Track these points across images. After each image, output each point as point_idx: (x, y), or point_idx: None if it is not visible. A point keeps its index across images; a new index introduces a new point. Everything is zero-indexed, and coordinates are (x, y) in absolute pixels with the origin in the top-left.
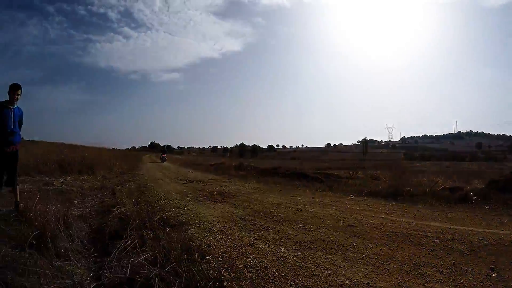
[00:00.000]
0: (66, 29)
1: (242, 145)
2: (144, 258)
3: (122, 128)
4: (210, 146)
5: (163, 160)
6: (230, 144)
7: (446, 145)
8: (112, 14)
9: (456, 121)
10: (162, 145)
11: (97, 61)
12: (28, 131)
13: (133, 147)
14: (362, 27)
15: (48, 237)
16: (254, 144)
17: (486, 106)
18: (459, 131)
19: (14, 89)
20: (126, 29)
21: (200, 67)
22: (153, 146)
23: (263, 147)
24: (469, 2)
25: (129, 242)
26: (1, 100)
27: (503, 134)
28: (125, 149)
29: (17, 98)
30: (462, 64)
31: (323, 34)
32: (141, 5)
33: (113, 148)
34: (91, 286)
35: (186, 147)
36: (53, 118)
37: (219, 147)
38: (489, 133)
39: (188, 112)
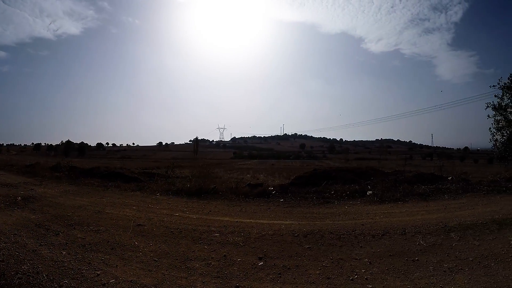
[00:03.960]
0: None
1: (68, 142)
2: None
3: None
4: (32, 144)
5: None
6: (56, 141)
7: (273, 145)
8: None
9: (283, 124)
10: None
11: None
12: None
13: None
14: (210, 31)
15: None
16: (82, 142)
17: (311, 113)
18: (285, 133)
19: None
20: None
21: (31, 47)
22: None
23: (92, 145)
24: (310, 27)
25: None
26: None
27: (324, 137)
28: None
29: None
30: (294, 76)
31: (170, 31)
32: None
33: None
34: None
35: (5, 144)
36: None
37: (43, 144)
38: (312, 136)
39: (12, 100)
